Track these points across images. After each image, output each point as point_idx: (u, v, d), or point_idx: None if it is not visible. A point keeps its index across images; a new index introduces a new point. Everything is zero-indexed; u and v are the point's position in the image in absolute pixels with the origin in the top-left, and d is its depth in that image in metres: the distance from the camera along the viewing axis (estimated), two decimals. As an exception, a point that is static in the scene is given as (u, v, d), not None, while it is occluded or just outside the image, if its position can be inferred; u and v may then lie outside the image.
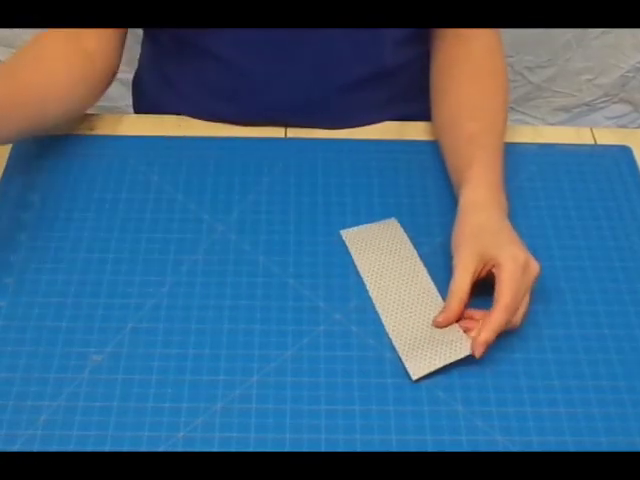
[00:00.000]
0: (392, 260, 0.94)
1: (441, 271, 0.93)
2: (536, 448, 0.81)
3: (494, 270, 0.87)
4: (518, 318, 0.87)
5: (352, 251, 0.96)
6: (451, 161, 1.01)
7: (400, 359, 0.86)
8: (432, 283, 0.92)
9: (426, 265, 0.94)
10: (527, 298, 0.87)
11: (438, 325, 0.87)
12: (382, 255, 0.94)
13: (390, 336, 0.88)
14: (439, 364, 0.85)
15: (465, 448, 0.80)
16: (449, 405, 0.83)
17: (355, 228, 0.98)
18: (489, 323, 0.84)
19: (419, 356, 0.85)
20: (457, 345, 0.85)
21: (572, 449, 0.80)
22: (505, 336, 0.87)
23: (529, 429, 0.82)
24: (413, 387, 0.84)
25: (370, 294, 0.92)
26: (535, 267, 0.88)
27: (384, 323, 0.89)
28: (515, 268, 0.86)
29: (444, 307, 0.87)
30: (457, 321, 0.87)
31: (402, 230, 0.97)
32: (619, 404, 0.84)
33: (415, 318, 0.89)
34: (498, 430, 0.82)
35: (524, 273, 0.86)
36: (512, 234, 0.90)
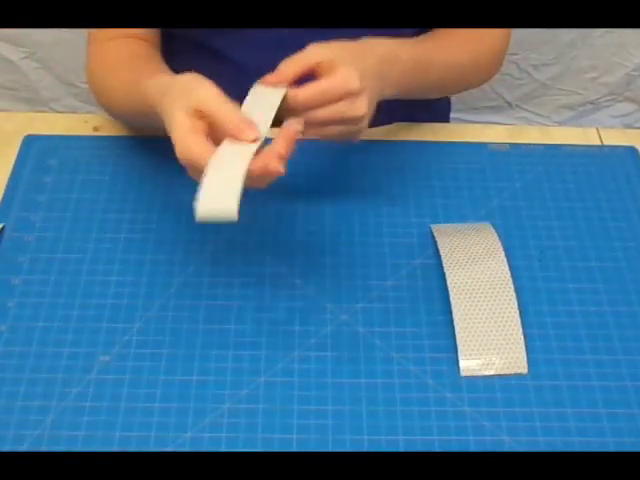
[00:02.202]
0: (478, 256, 0.93)
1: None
2: (543, 448, 0.81)
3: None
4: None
5: (438, 240, 0.95)
6: None
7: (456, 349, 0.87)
8: (513, 290, 0.90)
9: (430, 267, 0.95)
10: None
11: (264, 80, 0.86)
12: (469, 249, 0.93)
13: (455, 328, 0.88)
14: (490, 373, 0.86)
15: (472, 448, 0.80)
16: (456, 406, 0.83)
17: (446, 225, 0.98)
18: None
19: (475, 358, 0.86)
20: (514, 361, 0.86)
21: (578, 449, 0.80)
22: (512, 336, 0.87)
23: (536, 429, 0.82)
24: (420, 388, 0.85)
25: (448, 283, 0.91)
26: (362, 108, 0.87)
27: (454, 315, 0.89)
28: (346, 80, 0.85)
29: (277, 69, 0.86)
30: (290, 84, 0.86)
31: (495, 234, 0.96)
32: (626, 404, 0.84)
33: (484, 318, 0.88)
34: (505, 430, 0.82)
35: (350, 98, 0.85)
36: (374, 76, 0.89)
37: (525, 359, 0.86)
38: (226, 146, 0.78)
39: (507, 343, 0.87)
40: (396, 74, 0.94)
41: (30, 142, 1.07)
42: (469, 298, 0.89)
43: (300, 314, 0.90)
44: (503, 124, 1.46)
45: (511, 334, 0.87)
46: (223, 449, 0.80)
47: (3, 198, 1.01)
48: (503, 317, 0.88)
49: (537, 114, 1.94)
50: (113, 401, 0.83)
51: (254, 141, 0.79)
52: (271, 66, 1.00)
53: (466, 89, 1.18)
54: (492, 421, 0.82)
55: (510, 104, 1.92)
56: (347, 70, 0.85)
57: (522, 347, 0.87)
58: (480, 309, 0.88)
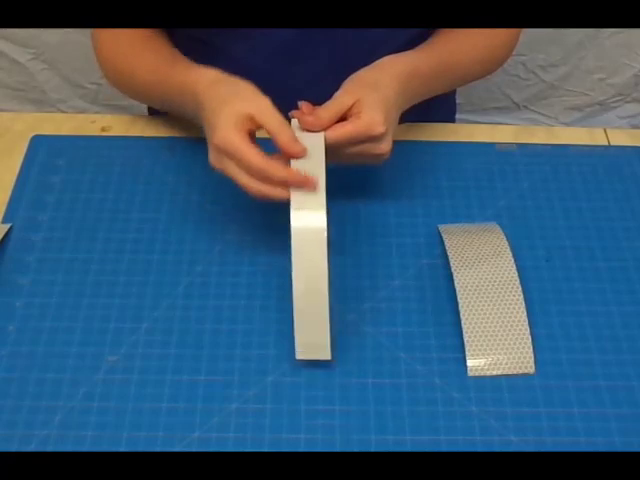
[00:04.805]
0: (485, 256, 0.93)
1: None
2: (550, 448, 0.80)
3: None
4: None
5: (446, 240, 0.95)
6: None
7: (463, 348, 0.87)
8: (520, 290, 0.90)
9: (438, 267, 0.95)
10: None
11: (304, 123, 0.90)
12: (476, 249, 0.93)
13: (463, 328, 0.88)
14: (498, 373, 0.86)
15: (479, 448, 0.80)
16: (463, 405, 0.83)
17: (453, 225, 0.98)
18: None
19: (482, 358, 0.86)
20: (521, 361, 0.86)
21: (585, 449, 0.80)
22: (519, 337, 0.87)
23: (543, 429, 0.82)
24: (427, 388, 0.85)
25: (455, 283, 0.90)
26: (385, 147, 0.92)
27: (461, 315, 0.88)
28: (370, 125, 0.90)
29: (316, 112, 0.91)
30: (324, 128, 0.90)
31: (502, 234, 0.96)
32: (632, 404, 0.84)
33: (492, 318, 0.88)
34: (512, 430, 0.82)
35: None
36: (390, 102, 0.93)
37: (532, 359, 0.86)
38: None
39: (514, 343, 0.87)
40: (417, 86, 0.98)
41: (38, 142, 1.07)
42: (476, 298, 0.89)
43: (307, 314, 0.90)
44: (510, 125, 1.46)
45: (518, 334, 0.87)
46: (230, 449, 0.80)
47: (11, 198, 1.01)
48: (510, 317, 0.88)
49: (544, 115, 1.95)
50: (120, 401, 0.83)
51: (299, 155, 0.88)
52: (272, 63, 1.01)
53: (475, 80, 1.19)
54: (499, 421, 0.82)
55: (517, 105, 1.93)
56: (372, 116, 0.90)
57: (529, 347, 0.87)
58: (487, 309, 0.88)
